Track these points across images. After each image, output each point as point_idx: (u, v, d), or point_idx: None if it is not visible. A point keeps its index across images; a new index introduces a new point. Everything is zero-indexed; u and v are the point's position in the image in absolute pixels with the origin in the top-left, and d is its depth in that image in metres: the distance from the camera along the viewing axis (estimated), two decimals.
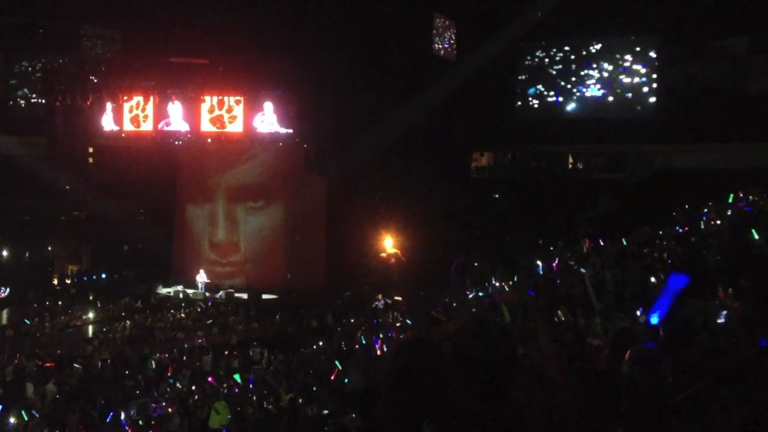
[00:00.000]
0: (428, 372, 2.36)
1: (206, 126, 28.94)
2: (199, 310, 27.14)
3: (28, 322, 25.37)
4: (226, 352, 20.28)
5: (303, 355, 18.27)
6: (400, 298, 26.13)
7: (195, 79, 29.15)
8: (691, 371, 4.78)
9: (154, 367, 18.63)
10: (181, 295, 29.73)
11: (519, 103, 33.39)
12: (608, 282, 11.29)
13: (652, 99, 30.45)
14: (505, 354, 2.44)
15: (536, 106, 33.06)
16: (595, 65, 31.66)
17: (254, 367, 17.68)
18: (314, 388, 12.19)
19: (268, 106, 28.27)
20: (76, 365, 18.65)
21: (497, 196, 32.83)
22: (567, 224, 24.67)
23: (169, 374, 17.79)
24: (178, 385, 16.42)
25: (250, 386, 14.92)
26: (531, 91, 33.03)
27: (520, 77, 33.50)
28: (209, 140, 29.79)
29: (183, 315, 26.48)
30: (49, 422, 13.86)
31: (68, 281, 34.35)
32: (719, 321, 7.20)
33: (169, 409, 13.96)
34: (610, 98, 31.36)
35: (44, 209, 35.66)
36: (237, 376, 15.47)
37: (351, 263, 30.34)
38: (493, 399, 2.38)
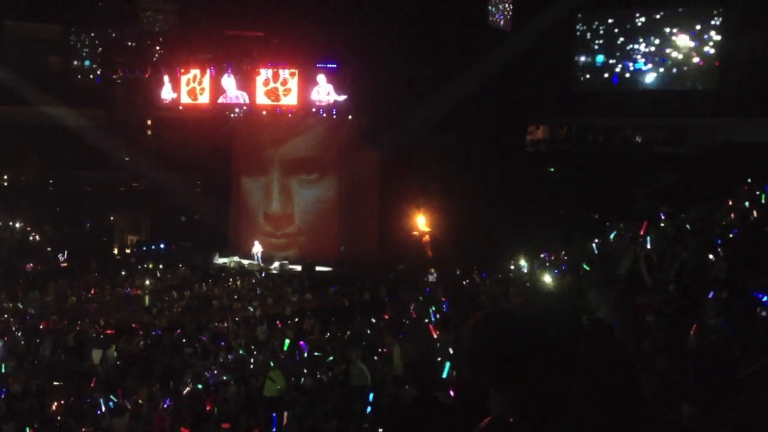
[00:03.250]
0: (513, 344, 2.38)
1: (261, 99, 29.13)
2: (254, 280, 27.50)
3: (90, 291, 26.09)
4: (279, 323, 20.52)
5: (356, 327, 18.41)
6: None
7: (250, 52, 29.33)
8: (758, 346, 4.67)
9: (210, 335, 18.97)
10: (236, 266, 30.17)
11: (576, 74, 32.73)
12: (666, 258, 11.06)
13: (715, 71, 29.58)
14: (572, 327, 2.44)
15: (594, 77, 32.38)
16: (656, 35, 30.81)
17: (308, 338, 17.88)
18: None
19: (322, 78, 28.28)
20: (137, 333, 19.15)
21: (553, 170, 32.35)
22: (625, 199, 24.25)
23: (224, 343, 18.09)
24: (233, 354, 16.71)
25: (305, 356, 15.12)
26: (588, 62, 32.35)
27: (577, 48, 32.80)
28: (264, 113, 30.02)
29: (239, 285, 26.86)
30: (109, 387, 14.26)
31: (128, 251, 35.13)
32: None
33: (225, 377, 14.23)
34: (671, 70, 30.55)
35: (104, 180, 36.50)
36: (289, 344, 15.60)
37: (404, 236, 30.33)
38: (561, 370, 2.40)
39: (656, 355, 5.30)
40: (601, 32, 32.08)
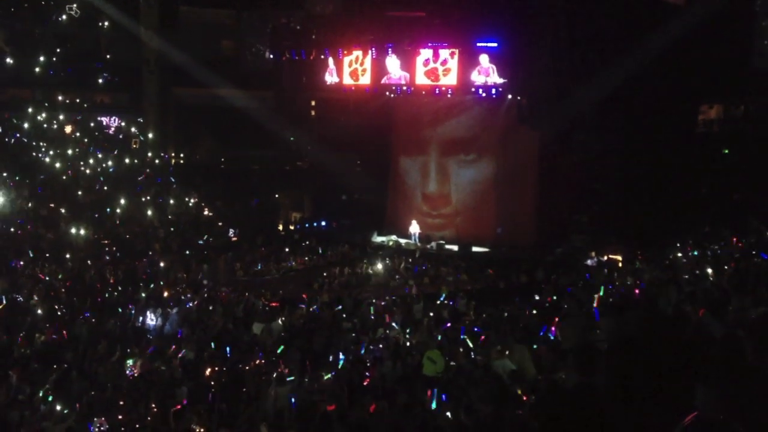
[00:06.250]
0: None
1: (421, 79, 29.27)
2: (411, 260, 27.80)
3: (259, 266, 27.34)
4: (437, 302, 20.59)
5: (512, 310, 18.19)
6: (614, 257, 25.30)
7: (411, 32, 29.48)
8: None
9: (371, 311, 19.35)
10: (394, 245, 30.61)
11: (755, 49, 30.39)
12: None
13: None
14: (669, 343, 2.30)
15: None
16: None
17: (463, 319, 17.86)
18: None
19: (483, 58, 27.99)
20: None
21: (727, 152, 30.39)
22: None
23: (382, 320, 18.39)
24: (390, 330, 16.96)
25: (461, 337, 15.12)
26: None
27: (756, 20, 30.42)
28: (423, 93, 30.13)
29: (396, 264, 27.25)
30: (273, 357, 14.87)
31: (291, 228, 36.55)
32: None
33: (383, 353, 14.46)
34: None
35: (270, 159, 38.08)
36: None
37: (563, 219, 29.66)
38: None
39: None
40: None
